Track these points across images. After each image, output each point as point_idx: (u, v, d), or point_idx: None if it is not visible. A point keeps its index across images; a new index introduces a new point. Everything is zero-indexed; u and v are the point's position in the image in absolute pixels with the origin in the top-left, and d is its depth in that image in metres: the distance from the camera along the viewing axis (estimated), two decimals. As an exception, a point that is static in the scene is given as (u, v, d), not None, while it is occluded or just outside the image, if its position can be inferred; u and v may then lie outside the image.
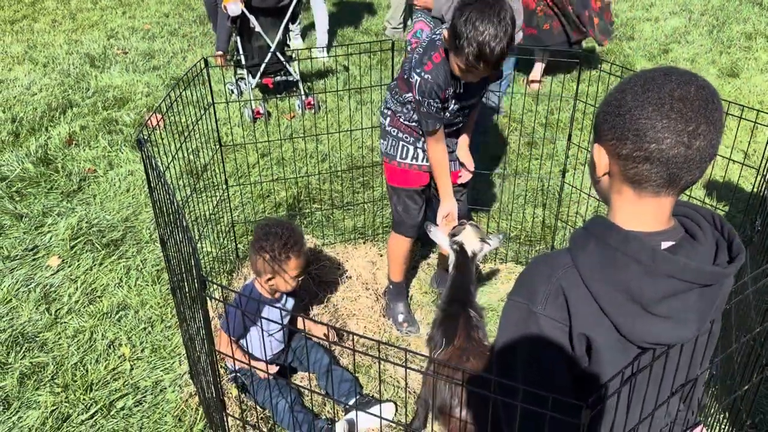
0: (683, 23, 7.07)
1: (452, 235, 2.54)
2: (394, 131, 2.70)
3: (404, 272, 3.03)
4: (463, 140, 2.80)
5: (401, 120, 2.65)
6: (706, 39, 6.61)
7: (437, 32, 2.42)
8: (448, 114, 2.55)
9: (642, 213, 1.11)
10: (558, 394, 1.05)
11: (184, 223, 1.42)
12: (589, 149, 1.20)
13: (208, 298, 1.50)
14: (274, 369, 2.57)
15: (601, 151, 1.09)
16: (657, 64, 5.97)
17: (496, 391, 1.16)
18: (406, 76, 2.53)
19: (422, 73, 2.39)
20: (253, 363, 2.50)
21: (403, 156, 2.70)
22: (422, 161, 2.70)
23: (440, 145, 2.59)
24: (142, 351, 2.78)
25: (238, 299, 2.45)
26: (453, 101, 2.51)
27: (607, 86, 3.56)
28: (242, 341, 2.57)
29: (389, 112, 2.71)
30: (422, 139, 2.65)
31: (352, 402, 2.49)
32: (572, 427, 1.07)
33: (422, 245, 3.42)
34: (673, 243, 1.13)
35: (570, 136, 3.05)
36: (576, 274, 1.10)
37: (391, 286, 3.06)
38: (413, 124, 2.62)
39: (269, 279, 2.47)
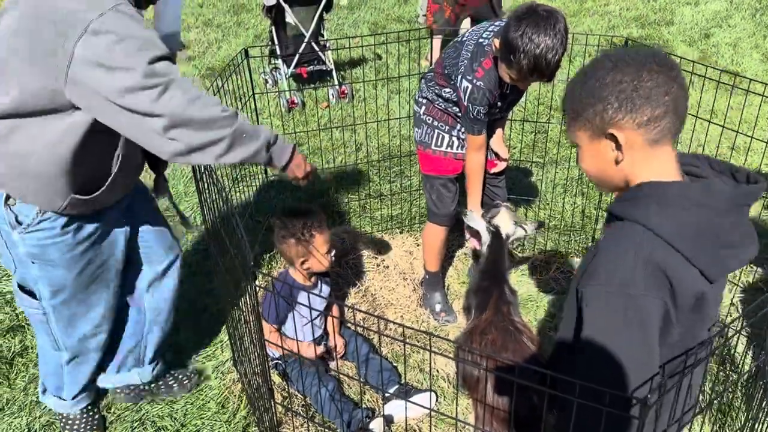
0: (725, 7, 6.87)
1: (489, 218, 2.60)
2: (429, 119, 2.69)
3: (440, 262, 3.02)
4: (497, 130, 2.79)
5: (438, 107, 2.64)
6: (748, 23, 6.41)
7: (485, 36, 2.41)
8: (496, 110, 2.56)
9: (666, 169, 1.20)
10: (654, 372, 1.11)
11: (238, 221, 1.44)
12: (581, 159, 1.29)
13: (256, 288, 1.51)
14: (321, 349, 2.60)
15: (620, 132, 1.18)
16: (698, 49, 5.82)
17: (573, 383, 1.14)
18: (446, 72, 2.52)
19: (474, 81, 2.38)
20: (300, 346, 2.53)
21: (438, 144, 2.69)
22: (457, 149, 2.69)
23: (481, 154, 2.60)
24: (186, 341, 2.82)
25: (276, 286, 2.47)
26: (499, 102, 2.52)
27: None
28: (285, 329, 2.59)
29: (424, 101, 2.70)
30: (458, 126, 2.64)
31: (392, 390, 2.50)
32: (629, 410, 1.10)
33: (459, 234, 3.40)
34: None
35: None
36: (656, 239, 1.13)
37: (427, 276, 3.06)
38: (450, 111, 2.61)
39: (303, 262, 2.49)
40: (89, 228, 1.90)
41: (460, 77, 2.43)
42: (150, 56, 1.54)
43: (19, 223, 1.76)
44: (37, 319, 2.09)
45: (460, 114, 2.58)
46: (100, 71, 1.52)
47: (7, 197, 1.75)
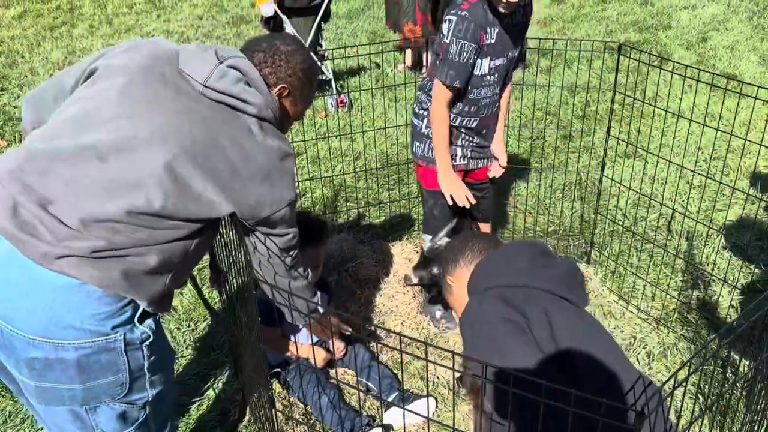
0: (722, 10, 6.89)
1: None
2: (431, 132, 2.66)
3: (441, 267, 3.02)
4: (498, 131, 2.76)
5: None
6: (746, 26, 6.43)
7: None
8: (487, 76, 2.43)
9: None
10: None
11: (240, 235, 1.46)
12: (449, 294, 1.87)
13: (255, 297, 1.53)
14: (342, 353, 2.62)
15: (459, 276, 1.79)
16: (695, 53, 5.84)
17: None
18: (437, 61, 2.42)
19: (459, 12, 2.24)
20: (306, 349, 2.55)
21: None
22: (460, 159, 2.67)
23: (444, 107, 2.43)
24: (187, 348, 2.84)
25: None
26: (486, 57, 2.39)
27: (646, 77, 3.51)
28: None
29: (425, 113, 2.61)
30: (461, 137, 2.61)
31: (392, 398, 2.51)
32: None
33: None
34: None
35: (609, 128, 3.01)
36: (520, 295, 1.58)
37: (428, 283, 3.07)
38: (455, 121, 2.58)
39: None
40: None
41: (445, 17, 2.28)
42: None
43: (152, 333, 1.54)
44: None
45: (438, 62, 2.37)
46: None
47: (141, 314, 1.51)
